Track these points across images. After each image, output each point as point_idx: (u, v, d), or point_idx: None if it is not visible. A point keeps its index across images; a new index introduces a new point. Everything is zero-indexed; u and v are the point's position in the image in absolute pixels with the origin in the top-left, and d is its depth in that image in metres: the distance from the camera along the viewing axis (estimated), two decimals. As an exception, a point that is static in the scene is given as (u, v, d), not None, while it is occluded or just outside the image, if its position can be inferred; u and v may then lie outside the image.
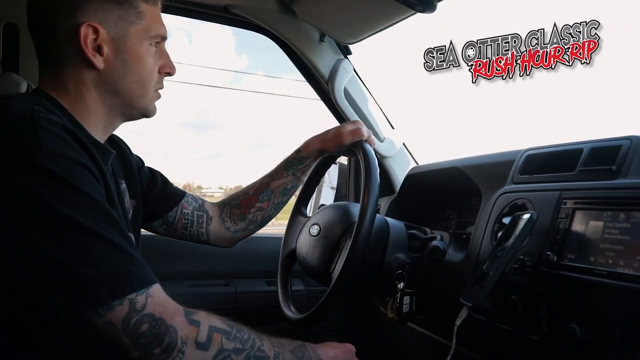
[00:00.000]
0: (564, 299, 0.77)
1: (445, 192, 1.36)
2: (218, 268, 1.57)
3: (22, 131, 0.66)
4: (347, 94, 1.58)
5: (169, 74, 0.88)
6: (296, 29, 1.52)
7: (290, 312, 1.07)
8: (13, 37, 1.30)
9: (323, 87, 1.60)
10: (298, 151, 1.12)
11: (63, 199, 0.63)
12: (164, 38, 0.85)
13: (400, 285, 1.03)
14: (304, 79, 1.63)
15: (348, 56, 1.61)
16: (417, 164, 1.61)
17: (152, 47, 0.83)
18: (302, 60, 1.57)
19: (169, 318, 0.66)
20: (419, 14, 1.27)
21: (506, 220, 0.95)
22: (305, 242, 1.12)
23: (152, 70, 0.83)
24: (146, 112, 0.86)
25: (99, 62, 0.77)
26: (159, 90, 0.88)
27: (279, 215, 1.20)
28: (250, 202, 1.13)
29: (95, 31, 0.75)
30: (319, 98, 1.64)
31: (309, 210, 1.25)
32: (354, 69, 1.61)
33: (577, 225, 0.80)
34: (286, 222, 1.24)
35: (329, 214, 1.12)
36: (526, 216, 0.83)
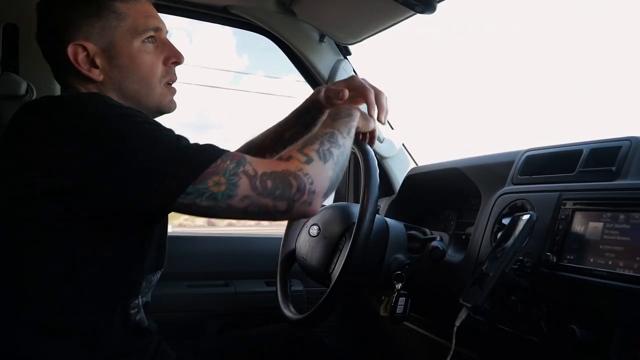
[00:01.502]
0: (563, 299, 0.77)
1: (445, 192, 1.36)
2: (218, 268, 1.57)
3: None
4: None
5: (177, 63, 0.88)
6: (296, 30, 1.52)
7: (289, 312, 1.07)
8: (13, 37, 1.30)
9: (323, 87, 1.60)
10: (307, 99, 1.06)
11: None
12: (157, 29, 0.84)
13: (398, 285, 1.03)
14: (303, 79, 1.63)
15: (348, 57, 1.61)
16: (417, 164, 1.61)
17: (147, 43, 0.83)
18: (302, 61, 1.57)
19: (274, 166, 0.73)
20: (418, 15, 1.27)
21: (506, 221, 0.95)
22: (305, 242, 1.12)
23: (152, 65, 0.83)
24: (161, 108, 0.87)
25: (95, 75, 0.80)
26: (175, 83, 0.88)
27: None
28: (267, 150, 1.10)
29: (84, 48, 0.79)
30: (319, 99, 1.64)
31: None
32: (354, 70, 1.61)
33: (577, 226, 0.80)
34: (285, 221, 1.24)
35: (328, 215, 1.12)
36: (526, 217, 0.83)
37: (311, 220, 1.14)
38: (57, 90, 1.36)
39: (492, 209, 1.02)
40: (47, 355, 0.72)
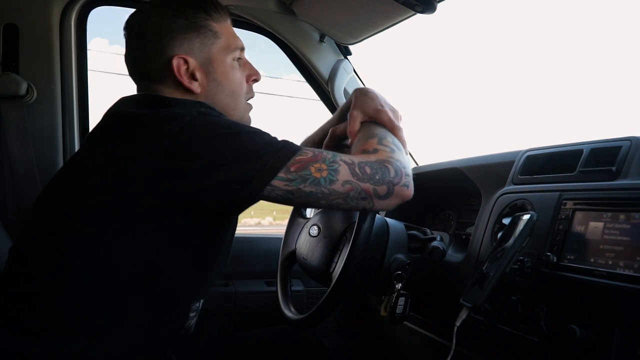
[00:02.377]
0: (563, 299, 0.77)
1: (445, 192, 1.36)
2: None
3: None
4: (347, 94, 1.58)
5: (256, 81, 0.95)
6: (296, 30, 1.52)
7: (290, 312, 1.07)
8: (13, 37, 1.30)
9: (323, 87, 1.60)
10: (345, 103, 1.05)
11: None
12: (242, 49, 0.92)
13: (398, 286, 1.03)
14: (304, 79, 1.64)
15: (348, 57, 1.61)
16: (417, 164, 1.61)
17: (235, 61, 0.90)
18: (302, 61, 1.57)
19: (367, 157, 0.78)
20: (419, 15, 1.27)
21: (506, 221, 0.94)
22: (305, 242, 1.12)
23: (240, 82, 0.91)
24: (242, 122, 0.91)
25: (195, 87, 0.86)
26: (251, 100, 0.94)
27: (278, 215, 1.21)
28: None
29: (185, 62, 0.84)
30: (319, 98, 1.65)
31: (309, 212, 1.25)
32: (354, 70, 1.61)
33: (577, 226, 0.80)
34: (286, 222, 1.24)
35: (328, 215, 1.12)
36: (526, 217, 0.83)
37: (311, 221, 1.14)
38: (58, 90, 1.37)
39: (492, 209, 1.02)
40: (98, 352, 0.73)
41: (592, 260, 0.74)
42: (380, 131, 0.85)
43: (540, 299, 0.80)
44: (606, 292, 0.70)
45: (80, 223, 0.72)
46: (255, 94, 0.96)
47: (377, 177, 0.75)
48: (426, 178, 1.41)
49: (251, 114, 0.96)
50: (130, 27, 0.86)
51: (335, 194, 0.74)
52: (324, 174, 0.73)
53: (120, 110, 0.81)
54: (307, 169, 0.72)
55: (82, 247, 0.72)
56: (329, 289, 0.93)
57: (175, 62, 0.83)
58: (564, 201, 0.84)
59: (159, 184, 0.70)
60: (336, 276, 0.92)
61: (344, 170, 0.74)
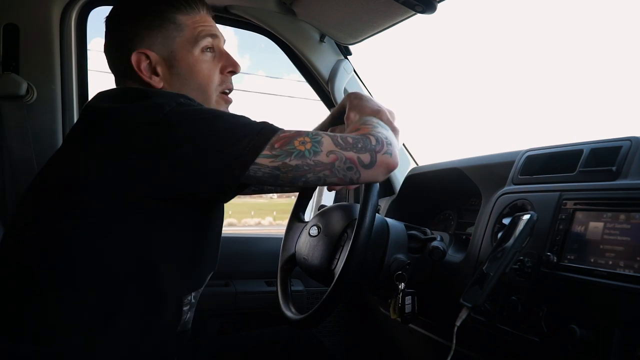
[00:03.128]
0: (564, 299, 0.77)
1: (445, 192, 1.36)
2: (218, 268, 1.56)
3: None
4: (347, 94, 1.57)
5: (233, 72, 0.93)
6: (296, 30, 1.52)
7: (290, 313, 1.07)
8: (13, 37, 1.30)
9: (323, 87, 1.60)
10: (340, 104, 1.02)
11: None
12: (214, 37, 0.89)
13: (401, 285, 1.03)
14: (304, 79, 1.63)
15: (348, 57, 1.61)
16: (417, 164, 1.61)
17: (205, 52, 0.88)
18: (302, 61, 1.57)
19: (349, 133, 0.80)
20: (419, 15, 1.27)
21: (506, 221, 0.94)
22: (305, 243, 1.12)
23: (208, 75, 0.88)
24: None
25: (155, 82, 0.85)
26: (231, 93, 0.92)
27: (278, 215, 1.20)
28: None
29: (147, 57, 0.84)
30: (319, 98, 1.64)
31: (307, 215, 1.25)
32: (354, 70, 1.61)
33: (577, 226, 0.80)
34: (286, 222, 1.24)
35: (328, 214, 1.12)
36: (526, 217, 0.83)
37: (310, 222, 1.14)
38: (58, 90, 1.37)
39: (492, 209, 1.02)
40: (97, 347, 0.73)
41: (592, 260, 0.74)
42: (368, 118, 0.87)
43: (540, 299, 0.80)
44: (606, 292, 0.70)
45: (72, 221, 0.71)
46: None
47: (359, 146, 0.77)
48: (426, 178, 1.41)
49: (235, 108, 0.94)
50: (106, 22, 0.88)
51: (321, 165, 0.75)
52: (308, 146, 0.74)
53: (96, 105, 0.80)
54: (291, 144, 0.74)
55: (74, 245, 0.71)
56: (331, 285, 0.93)
57: (134, 57, 0.83)
58: (564, 201, 0.84)
59: (144, 175, 0.70)
60: (339, 271, 0.91)
61: (327, 142, 0.75)
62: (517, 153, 1.06)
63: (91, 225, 0.71)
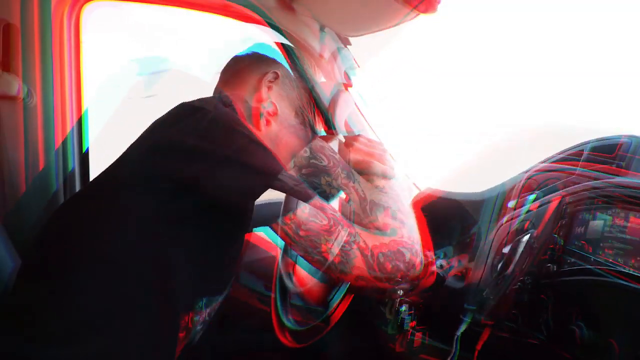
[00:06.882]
0: (564, 299, 0.77)
1: (444, 225, 1.33)
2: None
3: None
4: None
5: None
6: (295, 28, 1.52)
7: (288, 321, 1.06)
8: (13, 37, 1.30)
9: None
10: None
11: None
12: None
13: (406, 316, 1.01)
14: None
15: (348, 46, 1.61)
16: (420, 189, 1.57)
17: None
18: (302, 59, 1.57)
19: (386, 243, 0.72)
20: (419, 15, 1.26)
21: (506, 250, 0.93)
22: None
23: None
24: None
25: None
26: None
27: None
28: None
29: None
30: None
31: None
32: (354, 59, 1.61)
33: (578, 226, 0.79)
34: None
35: None
36: (525, 238, 0.83)
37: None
38: (56, 90, 1.36)
39: (492, 242, 0.99)
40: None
41: (592, 259, 0.74)
42: (388, 199, 0.79)
43: (541, 299, 0.80)
44: (607, 292, 0.70)
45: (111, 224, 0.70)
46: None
47: (394, 275, 0.69)
48: (427, 207, 1.37)
49: None
50: None
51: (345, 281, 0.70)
52: (336, 259, 0.65)
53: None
54: (317, 240, 0.65)
55: (112, 249, 0.69)
56: (328, 311, 0.91)
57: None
58: (564, 201, 0.84)
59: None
60: (336, 302, 0.90)
61: (359, 262, 0.65)
62: (517, 177, 1.05)
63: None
